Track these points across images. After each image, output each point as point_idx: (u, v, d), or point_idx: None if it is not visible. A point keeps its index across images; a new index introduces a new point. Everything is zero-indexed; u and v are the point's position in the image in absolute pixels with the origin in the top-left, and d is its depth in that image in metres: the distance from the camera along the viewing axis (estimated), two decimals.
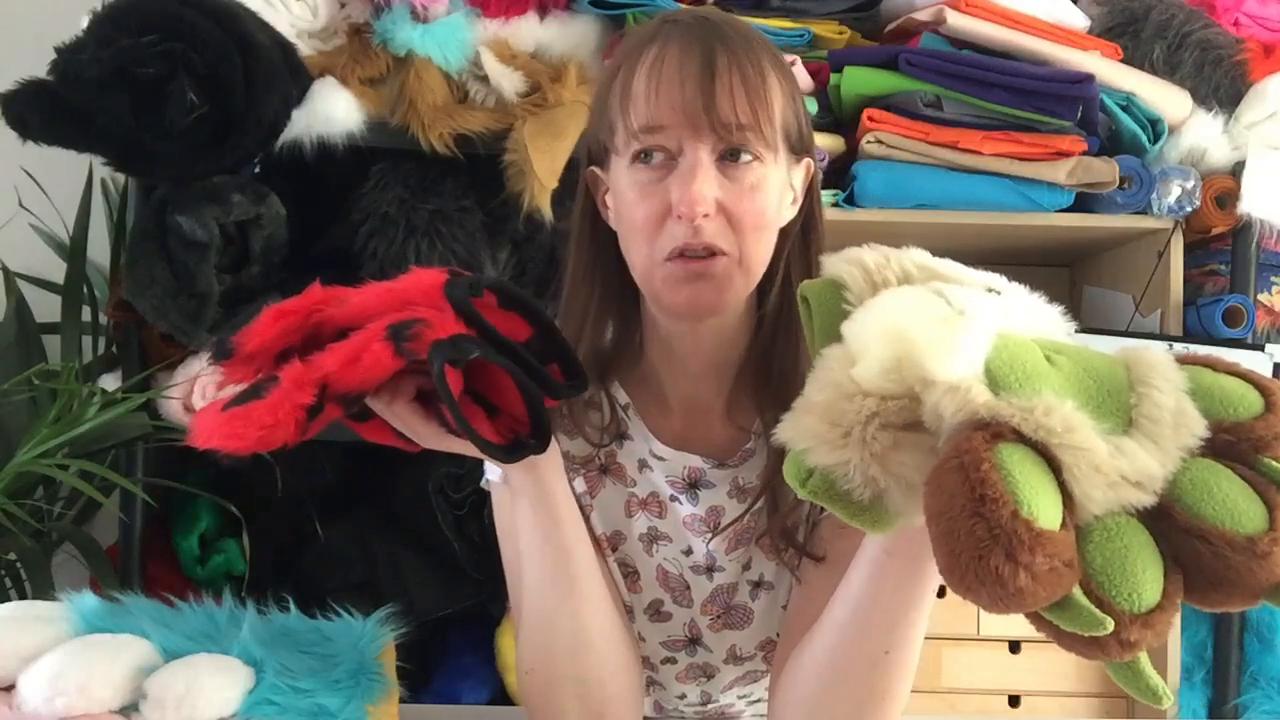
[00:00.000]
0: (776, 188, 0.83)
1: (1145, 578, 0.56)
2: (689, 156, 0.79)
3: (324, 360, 0.69)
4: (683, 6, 1.55)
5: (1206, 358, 0.64)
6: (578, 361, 0.80)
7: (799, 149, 0.86)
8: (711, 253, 0.80)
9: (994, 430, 0.58)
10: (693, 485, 0.91)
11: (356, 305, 0.73)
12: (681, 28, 0.81)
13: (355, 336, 0.70)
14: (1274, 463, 0.59)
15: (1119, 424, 0.60)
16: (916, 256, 0.69)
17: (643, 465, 0.91)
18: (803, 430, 0.64)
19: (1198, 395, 0.61)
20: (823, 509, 0.87)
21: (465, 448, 0.76)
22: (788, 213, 0.87)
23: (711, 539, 0.91)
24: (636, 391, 0.92)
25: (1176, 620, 1.80)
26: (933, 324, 0.62)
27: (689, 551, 0.91)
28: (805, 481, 0.64)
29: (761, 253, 0.83)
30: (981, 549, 0.54)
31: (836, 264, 0.69)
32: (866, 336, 0.63)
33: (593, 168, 0.89)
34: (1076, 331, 0.69)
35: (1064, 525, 0.56)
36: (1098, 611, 0.55)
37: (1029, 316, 0.67)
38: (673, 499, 0.91)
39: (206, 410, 0.69)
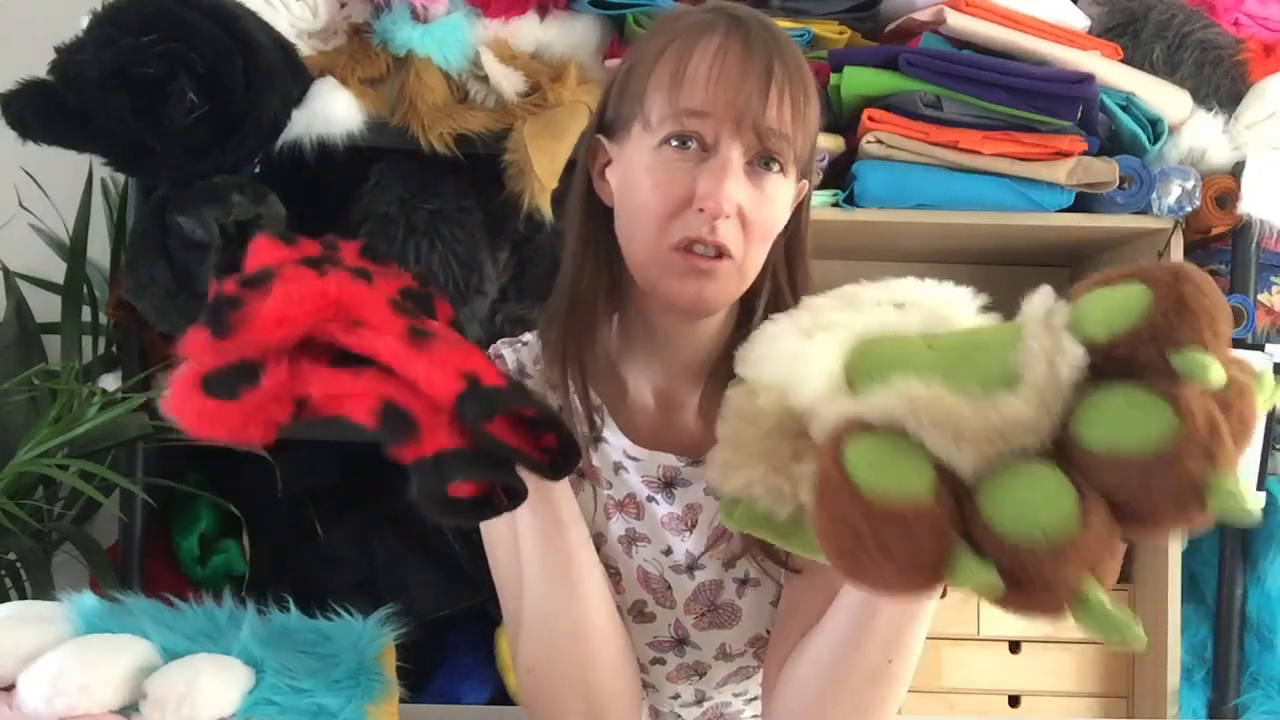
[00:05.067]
0: (786, 203, 0.84)
1: (1042, 512, 0.54)
2: (722, 153, 0.79)
3: (310, 382, 0.68)
4: (681, 4, 1.55)
5: (1101, 275, 0.60)
6: (574, 440, 0.78)
7: (803, 172, 0.87)
8: (719, 254, 0.80)
9: (846, 430, 0.59)
10: (668, 484, 0.90)
11: (369, 342, 0.70)
12: (744, 26, 0.81)
13: (347, 381, 0.68)
14: (1176, 354, 0.54)
15: (1004, 383, 0.59)
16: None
17: (618, 467, 0.91)
18: (714, 463, 0.69)
19: (1083, 323, 0.58)
20: None
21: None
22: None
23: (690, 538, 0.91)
24: (606, 391, 0.92)
25: (1175, 616, 1.77)
26: (785, 360, 0.67)
27: (668, 551, 0.91)
28: (732, 514, 0.68)
29: (760, 260, 0.84)
30: (835, 535, 0.56)
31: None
32: (755, 382, 0.69)
33: (599, 136, 0.88)
34: None
35: (935, 493, 0.55)
36: (984, 568, 0.54)
37: (921, 315, 0.69)
38: (649, 499, 0.91)
39: (187, 381, 0.66)
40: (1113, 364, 0.56)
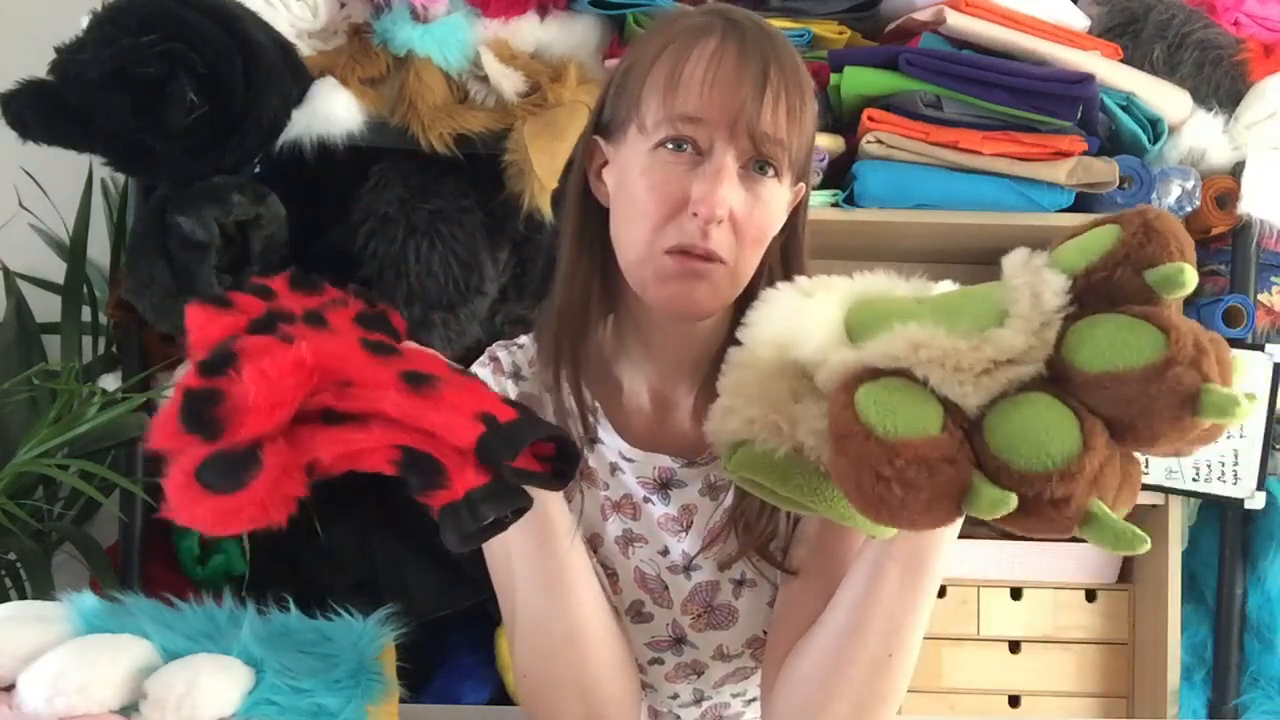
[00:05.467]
0: (781, 207, 0.85)
1: (1049, 435, 0.57)
2: (717, 158, 0.79)
3: (316, 446, 0.65)
4: (679, 5, 1.55)
5: (1072, 229, 0.65)
6: (574, 446, 0.77)
7: (800, 175, 0.87)
8: (711, 258, 0.80)
9: (854, 378, 0.62)
10: (664, 485, 0.91)
11: (370, 403, 0.67)
12: (740, 30, 0.81)
13: (357, 438, 0.66)
14: (1151, 273, 0.59)
15: (995, 322, 0.62)
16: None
17: (614, 468, 0.91)
18: (714, 412, 0.71)
19: (1060, 263, 0.63)
20: (795, 527, 0.88)
21: None
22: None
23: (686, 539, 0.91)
24: (601, 392, 0.92)
25: (1175, 616, 1.77)
26: (786, 316, 0.70)
27: (665, 552, 0.91)
28: (730, 460, 0.70)
29: (753, 264, 0.84)
30: (858, 479, 0.59)
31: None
32: (756, 339, 0.72)
33: (596, 137, 0.88)
34: None
35: (946, 429, 0.59)
36: (999, 491, 0.57)
37: (911, 284, 0.73)
38: (646, 500, 0.91)
39: (183, 484, 0.64)
40: (1094, 294, 0.60)
